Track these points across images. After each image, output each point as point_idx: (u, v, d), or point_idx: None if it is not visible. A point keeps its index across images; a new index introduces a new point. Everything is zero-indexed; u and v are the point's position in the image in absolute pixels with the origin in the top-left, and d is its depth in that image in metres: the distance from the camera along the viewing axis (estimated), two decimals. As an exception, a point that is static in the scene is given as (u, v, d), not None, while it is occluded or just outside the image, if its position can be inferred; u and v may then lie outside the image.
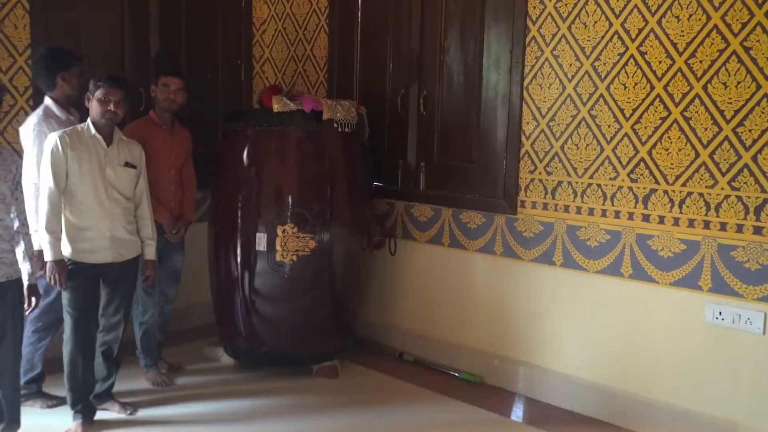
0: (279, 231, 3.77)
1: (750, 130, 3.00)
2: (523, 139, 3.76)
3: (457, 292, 4.11)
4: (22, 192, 2.85)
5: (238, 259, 3.86)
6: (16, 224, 2.84)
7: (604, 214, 3.47)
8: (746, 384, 3.08)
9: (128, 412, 3.42)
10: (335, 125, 3.87)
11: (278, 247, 3.76)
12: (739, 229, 3.04)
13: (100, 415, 3.34)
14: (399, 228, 4.37)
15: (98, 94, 3.10)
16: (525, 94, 3.73)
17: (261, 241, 3.79)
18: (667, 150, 3.25)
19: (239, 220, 3.86)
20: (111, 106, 3.11)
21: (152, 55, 4.41)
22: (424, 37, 4.19)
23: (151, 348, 3.78)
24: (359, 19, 4.57)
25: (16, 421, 2.86)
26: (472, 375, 3.98)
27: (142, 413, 3.44)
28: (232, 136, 3.96)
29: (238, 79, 4.99)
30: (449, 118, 4.10)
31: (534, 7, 3.67)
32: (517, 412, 3.63)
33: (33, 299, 2.88)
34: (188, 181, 3.82)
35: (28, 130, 3.30)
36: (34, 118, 3.32)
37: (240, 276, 3.87)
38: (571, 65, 3.54)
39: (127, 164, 3.24)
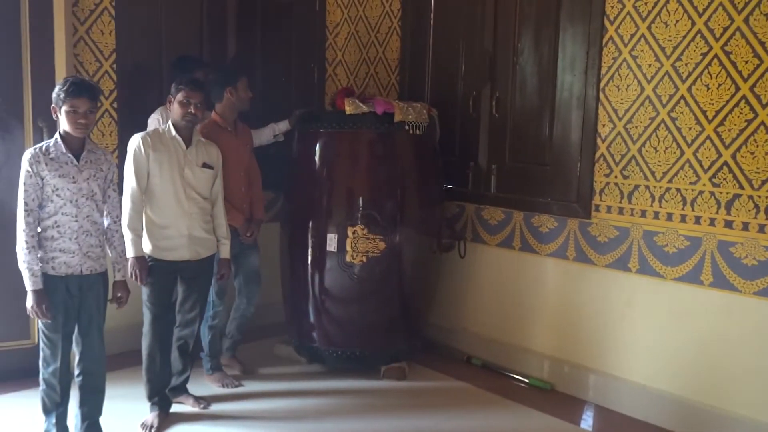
0: (349, 232, 3.80)
1: None
2: (599, 141, 3.67)
3: (527, 296, 4.05)
4: (115, 191, 2.98)
5: (309, 260, 3.91)
6: (107, 222, 2.96)
7: (683, 219, 3.35)
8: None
9: (202, 406, 3.51)
10: (406, 127, 3.88)
11: (348, 248, 3.80)
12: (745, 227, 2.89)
13: (175, 408, 3.45)
14: (469, 231, 4.34)
15: (179, 96, 3.20)
16: (601, 95, 3.65)
17: (332, 242, 3.83)
18: (752, 153, 3.11)
19: (311, 221, 3.91)
20: (191, 109, 3.20)
21: (229, 58, 4.53)
22: (497, 39, 4.15)
23: (217, 351, 3.84)
24: (431, 21, 4.56)
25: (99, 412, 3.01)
26: (542, 381, 3.91)
27: (215, 407, 3.53)
28: (305, 138, 4.01)
29: (312, 81, 5.06)
30: (522, 121, 4.04)
31: (612, 7, 3.58)
32: (588, 421, 3.54)
33: (120, 294, 2.99)
34: (254, 181, 3.87)
35: None
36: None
37: (311, 276, 3.92)
38: (650, 66, 3.44)
39: (204, 165, 3.33)
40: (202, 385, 3.74)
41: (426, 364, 4.14)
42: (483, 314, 4.29)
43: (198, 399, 3.54)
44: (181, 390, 3.53)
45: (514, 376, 4.02)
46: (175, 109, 3.23)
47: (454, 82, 4.41)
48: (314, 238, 3.90)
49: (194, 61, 3.80)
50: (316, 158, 3.93)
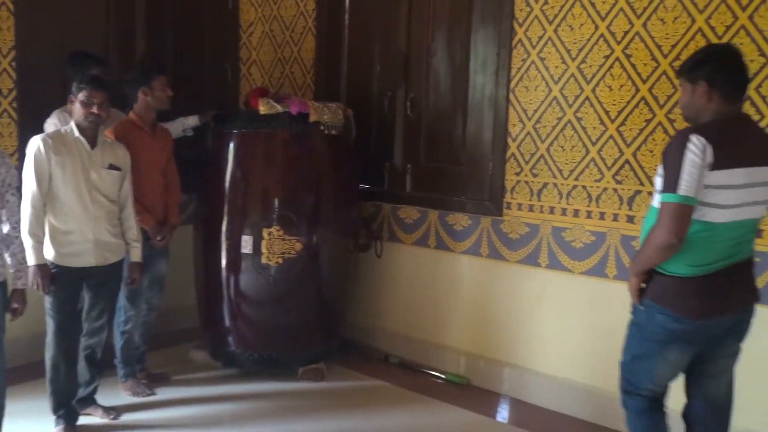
0: (265, 233, 3.75)
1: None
2: (509, 141, 3.76)
3: (442, 293, 4.11)
4: (14, 195, 2.83)
5: (224, 263, 3.84)
6: (6, 228, 2.81)
7: (589, 215, 3.47)
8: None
9: (111, 416, 3.39)
10: (322, 128, 3.86)
11: (264, 250, 3.75)
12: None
13: (83, 420, 3.31)
14: (385, 230, 4.36)
15: (81, 96, 3.07)
16: (511, 96, 3.74)
17: (247, 244, 3.77)
18: (651, 152, 3.26)
19: (225, 223, 3.84)
20: (94, 108, 3.08)
21: (138, 57, 4.39)
22: (411, 40, 4.20)
23: (131, 358, 3.71)
24: (346, 22, 4.57)
25: None
26: (458, 377, 3.97)
27: (126, 417, 3.41)
28: (219, 138, 3.94)
29: (225, 81, 4.97)
30: (436, 121, 4.10)
31: (521, 10, 3.68)
32: (503, 414, 3.63)
33: (16, 305, 2.83)
34: (172, 184, 3.76)
35: None
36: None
37: (225, 279, 3.85)
38: (557, 67, 3.55)
39: (111, 166, 3.21)
40: (113, 394, 3.61)
41: (344, 364, 4.14)
42: (400, 312, 4.33)
43: (107, 409, 3.41)
44: (90, 401, 3.39)
45: (431, 372, 4.08)
46: (77, 109, 3.09)
47: (370, 83, 4.43)
48: (229, 240, 3.83)
49: (90, 57, 3.61)
50: (230, 159, 3.86)
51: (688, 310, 2.31)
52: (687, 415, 2.55)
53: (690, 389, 2.53)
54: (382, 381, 3.96)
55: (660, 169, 2.33)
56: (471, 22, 3.90)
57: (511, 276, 3.78)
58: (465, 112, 3.95)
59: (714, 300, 2.31)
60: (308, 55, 4.79)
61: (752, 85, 2.95)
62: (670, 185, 2.22)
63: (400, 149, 4.26)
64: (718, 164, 2.20)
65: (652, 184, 3.25)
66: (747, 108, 2.97)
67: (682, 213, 2.21)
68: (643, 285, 2.42)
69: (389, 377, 4.01)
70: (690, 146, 2.19)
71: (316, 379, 3.93)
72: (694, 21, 3.10)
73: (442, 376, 4.02)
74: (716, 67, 2.31)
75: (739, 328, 2.42)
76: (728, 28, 3.01)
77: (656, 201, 2.35)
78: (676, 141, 2.25)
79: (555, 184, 3.59)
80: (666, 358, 2.40)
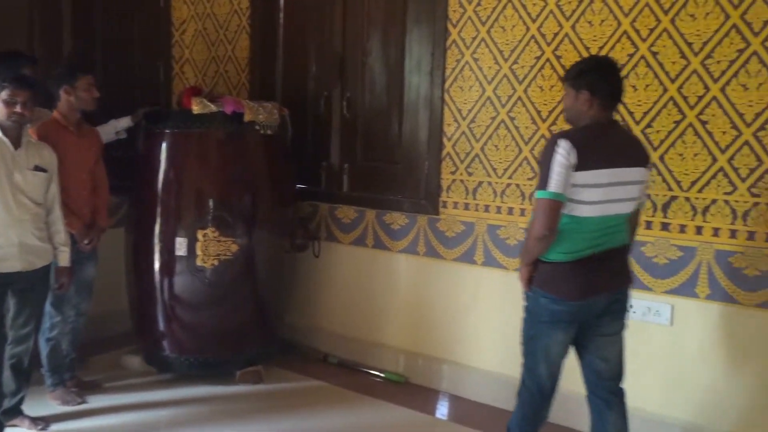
0: (199, 235, 3.69)
1: (657, 131, 3.14)
2: (445, 140, 3.81)
3: (381, 293, 4.12)
4: None
5: (157, 265, 3.76)
6: None
7: (522, 213, 3.55)
8: (656, 373, 3.21)
9: (40, 427, 3.26)
10: (257, 127, 3.82)
11: (199, 252, 3.68)
12: (648, 225, 3.18)
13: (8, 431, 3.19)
14: (323, 230, 4.35)
15: (4, 95, 2.95)
16: (446, 96, 3.79)
17: (181, 246, 3.70)
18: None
19: (158, 225, 3.75)
20: (18, 108, 2.96)
21: (65, 53, 4.24)
22: (346, 39, 4.20)
23: (59, 366, 3.57)
24: (281, 21, 4.54)
25: None
26: (397, 375, 4.00)
27: (56, 428, 3.30)
28: (151, 138, 3.85)
29: (157, 79, 4.86)
30: (372, 120, 4.12)
31: (454, 11, 3.73)
32: (442, 410, 3.67)
33: None
34: (100, 185, 3.63)
35: None
36: None
37: (159, 282, 3.76)
38: (490, 68, 3.62)
39: (37, 168, 3.10)
40: (42, 404, 3.48)
41: (283, 366, 4.10)
42: (339, 312, 4.32)
43: (35, 420, 3.28)
44: (16, 412, 3.25)
45: (370, 371, 4.09)
46: (0, 108, 2.97)
47: (305, 82, 4.41)
48: (162, 242, 3.74)
49: (19, 56, 3.48)
50: (163, 159, 3.78)
51: (565, 292, 2.57)
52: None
53: (582, 369, 2.77)
54: (321, 381, 3.95)
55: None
56: (405, 23, 3.93)
57: (447, 274, 3.83)
58: (401, 112, 3.98)
59: (585, 283, 2.57)
60: (243, 54, 4.74)
61: (674, 86, 3.08)
62: (543, 183, 2.47)
63: (337, 149, 4.26)
64: (581, 166, 2.44)
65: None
66: (669, 109, 3.10)
67: (552, 208, 2.47)
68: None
69: (328, 377, 4.00)
70: (558, 149, 2.44)
71: (254, 381, 3.88)
72: (620, 24, 3.20)
73: (381, 374, 4.04)
74: (598, 78, 2.55)
75: (614, 309, 2.64)
76: (651, 30, 3.12)
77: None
78: (548, 145, 2.50)
79: (490, 183, 3.65)
80: (553, 337, 2.65)
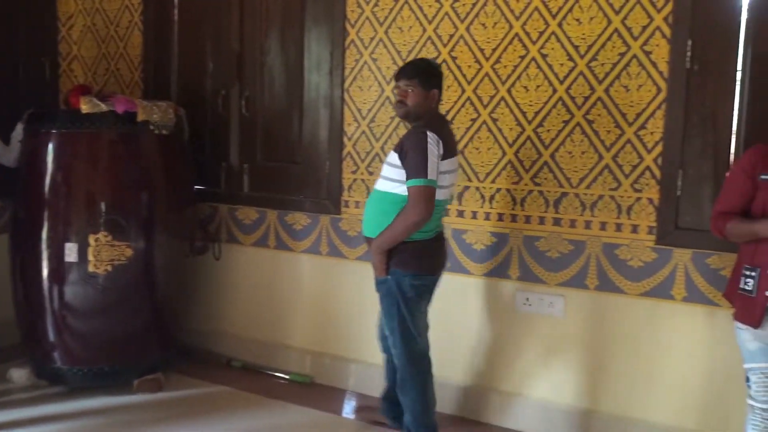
0: (91, 240, 3.53)
1: (548, 130, 3.27)
2: (345, 140, 3.82)
3: (284, 294, 4.09)
4: None
5: (46, 273, 3.57)
6: None
7: (423, 211, 3.60)
8: (551, 362, 3.35)
9: None
10: (152, 127, 3.70)
11: (91, 257, 3.52)
12: (541, 221, 3.31)
13: None
14: (223, 232, 4.26)
15: None
16: (346, 95, 3.80)
17: (71, 252, 3.53)
18: (478, 149, 3.45)
19: (45, 230, 3.57)
20: None
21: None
22: (244, 37, 4.13)
23: None
24: (176, 17, 4.41)
25: None
26: (302, 376, 3.98)
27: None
28: (37, 139, 3.65)
29: (43, 77, 4.61)
30: (272, 119, 4.07)
31: (352, 11, 3.74)
32: (348, 409, 3.68)
33: None
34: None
35: None
36: None
37: (48, 291, 3.57)
38: (388, 68, 3.65)
39: None
40: None
41: (184, 372, 3.99)
42: (242, 315, 4.26)
43: None
44: None
45: (275, 374, 4.05)
46: None
47: (202, 80, 4.31)
48: (51, 248, 3.56)
49: None
50: (50, 161, 3.60)
51: (427, 267, 3.01)
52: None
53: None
54: (224, 386, 3.87)
55: (394, 160, 2.91)
56: (304, 22, 3.91)
57: (351, 273, 3.84)
58: (301, 111, 3.96)
59: (437, 259, 3.08)
60: (135, 51, 4.57)
61: (562, 87, 3.21)
62: (420, 172, 2.81)
63: (236, 149, 4.19)
64: (445, 155, 2.88)
65: (478, 179, 3.45)
66: (559, 109, 3.24)
67: (432, 194, 2.84)
68: None
69: (232, 382, 3.92)
70: (429, 140, 2.83)
71: (154, 390, 3.76)
72: (511, 27, 3.31)
73: (286, 376, 4.00)
74: (441, 79, 3.05)
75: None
76: (541, 33, 3.25)
77: (388, 186, 2.96)
78: (417, 137, 2.87)
79: (390, 182, 3.69)
80: (420, 310, 3.05)
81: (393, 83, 3.60)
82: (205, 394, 3.79)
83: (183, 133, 3.98)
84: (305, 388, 3.91)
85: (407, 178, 2.87)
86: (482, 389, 3.53)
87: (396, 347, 3.06)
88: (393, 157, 2.94)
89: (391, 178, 2.95)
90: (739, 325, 2.56)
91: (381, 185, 3.02)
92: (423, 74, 2.98)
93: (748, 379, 2.54)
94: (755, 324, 2.48)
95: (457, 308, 3.55)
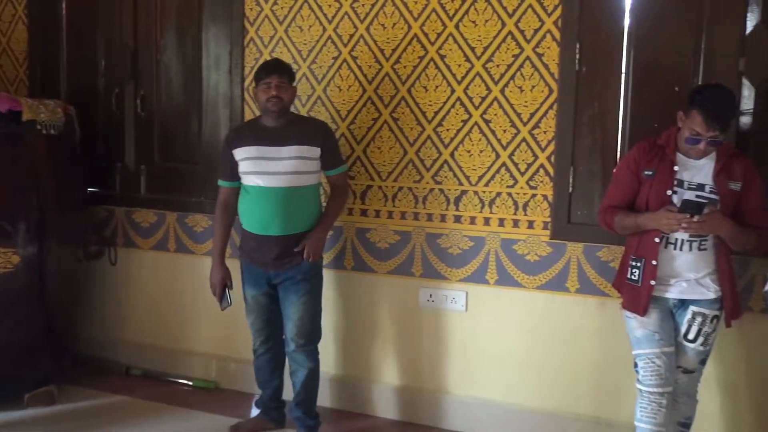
0: (-27, 247, 3.32)
1: (447, 130, 3.34)
2: (247, 139, 3.76)
3: (187, 298, 3.98)
4: None
5: None
6: None
7: (351, 212, 3.58)
8: (454, 356, 3.43)
9: None
10: (39, 127, 3.52)
11: (-27, 265, 3.32)
12: (443, 218, 3.38)
13: None
14: (119, 236, 4.11)
15: None
16: (246, 95, 3.74)
17: (-50, 260, 3.30)
18: (380, 149, 3.48)
19: None
20: None
21: None
22: (138, 34, 3.99)
23: None
24: (64, 11, 4.20)
25: None
26: (206, 381, 3.89)
27: None
28: None
29: None
30: (170, 119, 3.96)
31: (251, 9, 3.69)
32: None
33: None
34: None
35: None
36: None
37: (-76, 302, 3.34)
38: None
39: None
40: None
41: (79, 383, 3.81)
42: (141, 321, 4.11)
43: None
44: None
45: (178, 380, 3.94)
46: None
47: (94, 78, 4.13)
48: (-74, 257, 3.32)
49: None
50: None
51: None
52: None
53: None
54: (123, 396, 3.72)
55: (311, 153, 3.09)
56: (202, 19, 3.83)
57: (254, 274, 3.78)
58: (200, 111, 3.87)
59: None
60: (20, 47, 4.32)
61: (460, 87, 3.29)
62: (342, 158, 3.29)
63: (132, 149, 4.04)
64: None
65: (381, 178, 3.48)
66: (457, 109, 3.31)
67: None
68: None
69: (131, 391, 3.79)
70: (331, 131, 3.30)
71: (46, 403, 3.57)
72: (410, 27, 3.36)
73: (190, 382, 3.90)
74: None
75: None
76: (439, 35, 3.31)
77: (305, 180, 3.10)
78: (326, 126, 3.25)
79: (293, 182, 3.66)
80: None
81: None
82: (102, 405, 3.63)
83: (74, 133, 3.81)
84: (209, 394, 3.82)
85: (334, 166, 3.21)
86: (384, 385, 3.56)
87: (310, 335, 3.21)
88: (308, 150, 3.09)
89: (308, 171, 3.11)
90: (627, 313, 2.70)
91: (296, 180, 3.09)
92: (291, 71, 3.18)
93: (636, 365, 2.68)
94: (641, 312, 2.63)
95: (361, 306, 3.57)
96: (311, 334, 3.23)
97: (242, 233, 3.25)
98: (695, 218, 2.47)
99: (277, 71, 3.10)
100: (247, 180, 3.14)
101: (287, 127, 3.14)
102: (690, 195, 2.55)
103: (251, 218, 3.15)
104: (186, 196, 3.92)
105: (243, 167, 3.15)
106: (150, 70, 3.97)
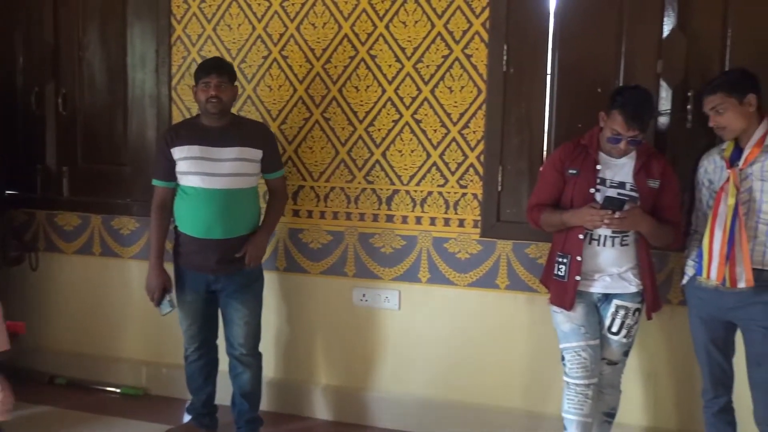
0: None
1: (379, 130, 3.35)
2: (175, 140, 3.68)
3: (113, 303, 3.87)
4: None
5: None
6: None
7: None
8: (388, 355, 3.45)
9: None
10: (-49, 127, 3.36)
11: None
12: (375, 218, 3.39)
13: None
14: (41, 240, 3.95)
15: None
16: (174, 94, 3.66)
17: None
18: (311, 149, 3.46)
19: None
20: None
21: None
22: (59, 30, 3.85)
23: None
24: (-23, 6, 4.02)
25: None
26: (134, 388, 3.79)
27: None
28: None
29: None
30: (94, 119, 3.83)
31: (178, 6, 3.62)
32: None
33: None
34: None
35: None
36: None
37: None
38: (218, 66, 3.57)
39: None
40: None
41: (-1, 395, 3.65)
42: (65, 328, 3.97)
43: None
44: None
45: (106, 388, 3.82)
46: None
47: (12, 76, 3.96)
48: None
49: None
50: None
51: None
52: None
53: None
54: (47, 406, 3.59)
55: (252, 155, 3.04)
56: (126, 16, 3.72)
57: (184, 277, 3.71)
58: (125, 110, 3.76)
59: None
60: (-70, 43, 4.11)
61: (391, 87, 3.31)
62: (281, 161, 3.25)
63: (53, 150, 3.90)
64: None
65: (312, 178, 3.47)
66: (388, 109, 3.33)
67: None
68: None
69: (55, 401, 3.65)
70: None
71: (-37, 416, 3.40)
72: (340, 27, 3.36)
73: (118, 390, 3.79)
74: None
75: None
76: (369, 35, 3.32)
77: (246, 182, 3.06)
78: (268, 130, 3.27)
79: (223, 182, 3.60)
80: None
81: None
82: (24, 417, 3.48)
83: (-10, 134, 3.64)
84: (138, 401, 3.72)
85: (275, 169, 3.18)
86: (320, 386, 3.55)
87: (256, 337, 3.21)
88: (250, 153, 3.04)
89: (249, 174, 3.07)
90: (554, 308, 2.78)
91: (237, 183, 3.03)
92: (232, 70, 3.10)
93: (563, 358, 2.76)
94: (568, 307, 2.71)
95: (295, 307, 3.55)
96: (256, 337, 3.21)
97: (179, 237, 3.13)
98: (616, 215, 2.56)
99: (217, 70, 3.01)
100: (186, 181, 3.04)
101: (228, 128, 3.06)
102: (612, 192, 2.64)
103: (192, 221, 3.04)
104: (111, 198, 3.80)
105: (182, 167, 3.04)
106: (72, 68, 3.84)
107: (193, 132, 3.06)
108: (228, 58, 3.53)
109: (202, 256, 3.04)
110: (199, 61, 3.57)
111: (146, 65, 3.70)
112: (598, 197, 2.64)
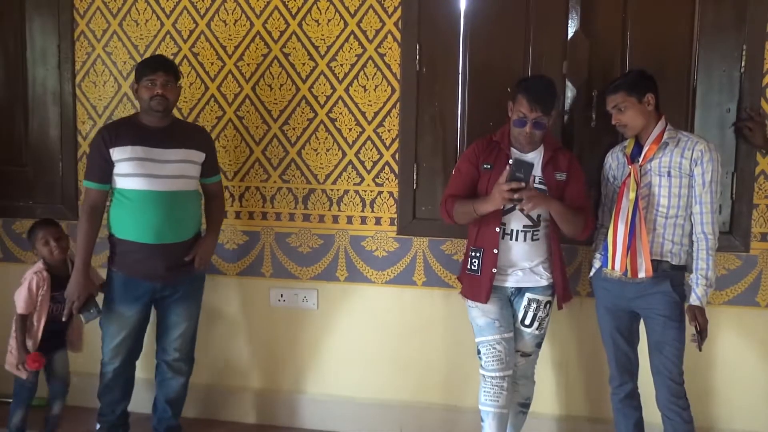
0: None
1: (294, 129, 3.33)
2: (80, 139, 3.53)
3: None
4: None
5: None
6: None
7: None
8: (308, 355, 3.43)
9: None
10: None
11: None
12: (291, 217, 3.36)
13: None
14: (-66, 247, 3.72)
15: None
16: (78, 91, 3.52)
17: None
18: (225, 148, 3.40)
19: None
20: None
21: None
22: (-51, 24, 3.63)
23: None
24: None
25: None
26: (39, 399, 3.56)
27: None
28: None
29: None
30: (-10, 118, 3.64)
31: (81, 1, 3.47)
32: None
33: None
34: None
35: None
36: None
37: None
38: (125, 63, 3.45)
39: None
40: None
41: None
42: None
43: None
44: None
45: (6, 399, 3.61)
46: None
47: None
48: None
49: None
50: None
51: None
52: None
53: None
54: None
55: (196, 157, 2.97)
56: (25, 10, 3.54)
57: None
58: (26, 108, 3.58)
59: None
60: None
61: (305, 86, 3.29)
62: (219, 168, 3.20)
63: (-54, 151, 3.67)
64: None
65: (227, 178, 3.41)
66: (303, 107, 3.31)
67: None
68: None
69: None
70: None
71: None
72: (252, 24, 3.31)
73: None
74: None
75: None
76: (282, 33, 3.29)
77: (191, 184, 2.99)
78: (208, 134, 3.17)
79: (133, 183, 3.49)
80: None
81: (131, 79, 3.42)
82: None
83: None
84: (43, 412, 3.54)
85: (215, 173, 3.12)
86: (241, 389, 3.50)
87: (193, 341, 3.16)
88: (195, 155, 2.97)
89: (192, 176, 2.99)
90: (470, 303, 2.83)
91: (182, 185, 2.93)
92: (177, 69, 2.99)
93: (479, 352, 2.82)
94: (484, 299, 2.76)
95: (212, 309, 3.47)
96: (193, 341, 3.15)
97: (117, 245, 2.94)
98: (527, 187, 2.56)
99: (163, 68, 2.87)
100: (127, 183, 2.85)
101: (172, 129, 2.94)
102: (518, 155, 2.70)
103: (138, 227, 2.85)
104: (13, 201, 3.61)
105: (123, 169, 2.85)
106: (-35, 63, 3.62)
107: (134, 132, 2.88)
108: (135, 55, 3.42)
109: (151, 263, 2.88)
110: (105, 57, 3.46)
111: (48, 61, 3.53)
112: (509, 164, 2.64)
